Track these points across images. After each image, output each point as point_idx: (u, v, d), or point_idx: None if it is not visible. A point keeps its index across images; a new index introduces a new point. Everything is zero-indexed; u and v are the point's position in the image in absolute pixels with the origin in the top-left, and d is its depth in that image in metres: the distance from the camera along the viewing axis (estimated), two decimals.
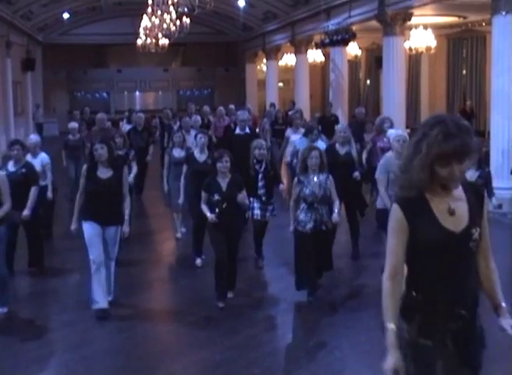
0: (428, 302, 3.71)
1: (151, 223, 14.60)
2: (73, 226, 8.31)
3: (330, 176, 8.59)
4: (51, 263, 10.70)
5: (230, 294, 8.61)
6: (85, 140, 15.40)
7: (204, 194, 8.54)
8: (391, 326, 3.72)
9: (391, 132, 10.73)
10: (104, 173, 8.14)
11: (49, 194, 11.18)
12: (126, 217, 8.33)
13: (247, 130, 13.14)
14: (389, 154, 10.26)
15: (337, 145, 10.51)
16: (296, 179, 8.67)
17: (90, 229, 8.09)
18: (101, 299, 8.04)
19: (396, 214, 3.70)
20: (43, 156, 11.16)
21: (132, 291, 9.20)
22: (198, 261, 10.23)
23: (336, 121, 18.82)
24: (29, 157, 10.73)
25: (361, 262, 10.38)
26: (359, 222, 10.84)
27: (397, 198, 3.74)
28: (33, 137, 11.79)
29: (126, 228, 8.31)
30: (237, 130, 13.29)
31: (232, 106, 20.88)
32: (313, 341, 7.49)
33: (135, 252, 11.06)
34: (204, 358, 7.04)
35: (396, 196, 3.81)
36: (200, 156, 10.53)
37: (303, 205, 8.48)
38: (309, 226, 8.43)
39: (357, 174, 10.88)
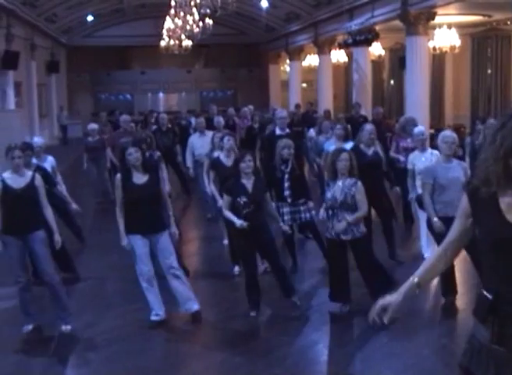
0: (499, 304, 3.40)
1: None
2: (124, 242, 7.70)
3: (359, 183, 7.96)
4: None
5: (295, 299, 8.30)
6: (106, 142, 15.46)
7: (226, 198, 8.10)
8: (413, 277, 3.66)
9: (419, 129, 10.67)
10: (139, 178, 7.66)
11: (64, 193, 11.12)
12: (172, 218, 8.05)
13: (288, 130, 12.26)
14: (416, 153, 10.25)
15: (362, 146, 9.98)
16: (326, 184, 8.29)
17: (137, 245, 7.65)
18: (160, 311, 7.83)
19: (463, 201, 3.56)
20: (50, 159, 11.10)
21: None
22: (236, 269, 9.74)
23: (365, 122, 18.55)
24: (34, 161, 10.69)
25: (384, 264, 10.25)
26: (393, 227, 10.28)
27: (468, 186, 3.55)
28: (39, 140, 11.40)
29: (174, 229, 8.01)
30: (278, 131, 12.17)
31: (250, 107, 20.76)
32: (333, 342, 7.47)
33: None
34: (225, 359, 7.03)
35: (469, 184, 3.65)
36: (228, 160, 9.91)
37: (329, 211, 8.03)
38: (332, 233, 7.97)
39: (396, 190, 10.73)
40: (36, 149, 10.85)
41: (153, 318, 7.85)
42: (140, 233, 7.64)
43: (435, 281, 8.98)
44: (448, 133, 8.40)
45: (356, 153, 8.74)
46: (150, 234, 7.66)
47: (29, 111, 27.94)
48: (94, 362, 7.07)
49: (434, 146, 10.30)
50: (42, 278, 7.78)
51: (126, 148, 7.74)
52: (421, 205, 9.27)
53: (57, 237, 7.77)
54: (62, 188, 10.98)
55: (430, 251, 9.91)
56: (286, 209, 9.41)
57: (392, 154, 11.95)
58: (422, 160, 9.72)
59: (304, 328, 7.90)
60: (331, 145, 11.12)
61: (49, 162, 11.02)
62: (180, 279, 7.84)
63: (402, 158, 11.50)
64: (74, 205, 10.71)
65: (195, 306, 7.92)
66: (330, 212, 7.97)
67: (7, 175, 7.61)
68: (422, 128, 10.84)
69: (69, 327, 7.70)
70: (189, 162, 14.17)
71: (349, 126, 12.75)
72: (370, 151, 9.92)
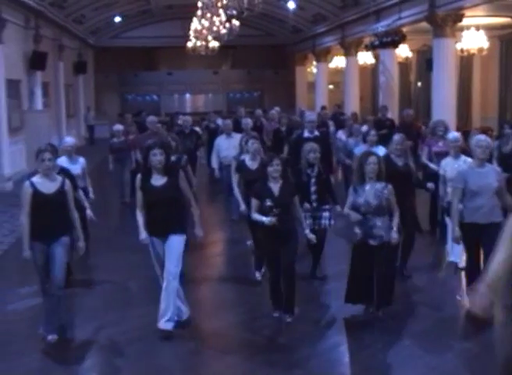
0: None
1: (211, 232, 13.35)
2: (143, 236, 7.57)
3: (389, 185, 7.88)
4: (93, 263, 10.81)
5: (289, 319, 7.96)
6: (131, 144, 15.42)
7: (254, 201, 7.98)
8: None
9: (453, 135, 10.53)
10: (158, 180, 7.57)
11: (91, 195, 11.16)
12: (197, 219, 7.85)
13: (316, 133, 12.28)
14: (449, 159, 10.10)
15: (393, 156, 9.64)
16: (351, 188, 8.10)
17: (154, 248, 7.61)
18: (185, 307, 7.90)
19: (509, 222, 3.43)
20: (82, 161, 11.09)
21: None
22: (257, 274, 9.65)
23: (392, 126, 18.38)
24: (65, 161, 10.73)
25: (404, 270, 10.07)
26: (413, 242, 9.79)
27: None
28: (70, 140, 11.37)
29: (199, 231, 7.87)
30: (305, 134, 12.30)
31: (277, 109, 20.59)
32: (356, 344, 7.44)
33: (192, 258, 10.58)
34: (246, 359, 7.05)
35: None
36: (253, 164, 9.84)
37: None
38: (364, 238, 7.87)
39: (431, 185, 10.48)
40: (67, 148, 10.93)
41: (175, 318, 7.85)
42: (156, 235, 7.56)
43: (459, 283, 8.96)
44: (482, 137, 8.28)
45: (386, 162, 8.55)
46: (164, 237, 7.54)
47: (56, 111, 28.13)
48: (116, 360, 7.14)
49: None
50: (50, 283, 7.49)
51: (152, 147, 7.58)
52: (449, 212, 9.17)
53: (81, 243, 7.72)
54: (89, 190, 11.04)
55: (456, 256, 9.85)
56: (308, 213, 9.27)
57: (424, 160, 11.70)
58: (455, 167, 9.55)
59: (326, 330, 7.93)
60: (361, 150, 10.96)
61: (80, 164, 11.02)
62: (170, 291, 7.54)
63: (433, 166, 11.29)
64: (89, 212, 10.21)
65: (167, 325, 7.55)
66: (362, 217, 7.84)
67: (36, 179, 7.53)
68: (457, 134, 10.56)
69: (55, 337, 7.49)
70: (214, 164, 14.13)
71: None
72: (400, 162, 9.63)
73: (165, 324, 7.56)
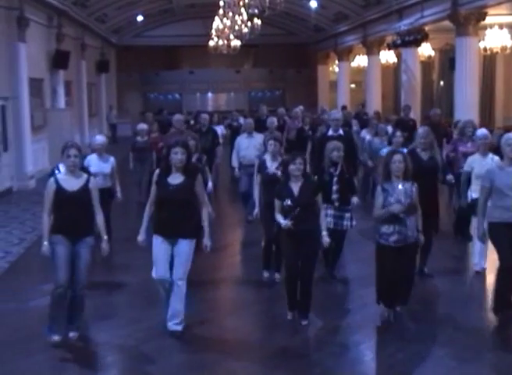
0: None
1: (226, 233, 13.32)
2: (141, 238, 7.60)
3: (415, 184, 7.81)
4: (114, 262, 10.85)
5: (304, 322, 7.88)
6: (153, 143, 15.29)
7: (276, 202, 7.90)
8: None
9: (482, 132, 10.45)
10: (175, 179, 7.44)
11: (119, 195, 11.21)
12: (206, 229, 7.65)
13: (341, 132, 12.04)
14: (476, 156, 10.05)
15: (418, 150, 9.48)
16: (379, 187, 7.91)
17: (157, 245, 7.49)
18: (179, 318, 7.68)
19: None
20: (112, 160, 11.10)
21: (194, 291, 9.10)
22: (277, 275, 9.54)
23: (414, 126, 18.22)
24: (96, 158, 10.81)
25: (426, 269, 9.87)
26: (432, 242, 9.51)
27: None
28: (100, 139, 11.37)
29: (207, 241, 7.62)
30: (330, 132, 12.03)
31: (301, 107, 20.47)
32: (376, 344, 7.46)
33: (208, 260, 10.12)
34: (265, 357, 7.07)
35: None
36: (272, 164, 9.68)
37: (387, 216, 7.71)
38: (392, 238, 7.69)
39: (450, 177, 10.33)
40: (98, 147, 10.99)
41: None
42: (164, 235, 7.47)
43: (482, 285, 8.91)
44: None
45: (412, 157, 8.45)
46: (172, 238, 7.45)
47: (78, 110, 28.28)
48: (134, 357, 7.19)
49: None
50: (73, 282, 7.44)
51: (174, 145, 7.48)
52: (475, 211, 9.04)
53: (104, 244, 7.57)
54: (116, 190, 11.14)
55: (481, 263, 9.77)
56: (330, 212, 9.19)
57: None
58: (482, 164, 9.45)
59: (346, 329, 7.93)
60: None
61: (110, 163, 11.04)
62: (180, 294, 7.52)
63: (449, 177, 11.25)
64: (119, 195, 10.97)
65: (177, 327, 7.59)
66: (389, 216, 7.68)
67: (61, 176, 7.51)
68: (486, 131, 10.51)
69: (76, 334, 7.54)
70: (234, 163, 14.05)
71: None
72: (426, 156, 9.47)
73: (175, 326, 7.59)
